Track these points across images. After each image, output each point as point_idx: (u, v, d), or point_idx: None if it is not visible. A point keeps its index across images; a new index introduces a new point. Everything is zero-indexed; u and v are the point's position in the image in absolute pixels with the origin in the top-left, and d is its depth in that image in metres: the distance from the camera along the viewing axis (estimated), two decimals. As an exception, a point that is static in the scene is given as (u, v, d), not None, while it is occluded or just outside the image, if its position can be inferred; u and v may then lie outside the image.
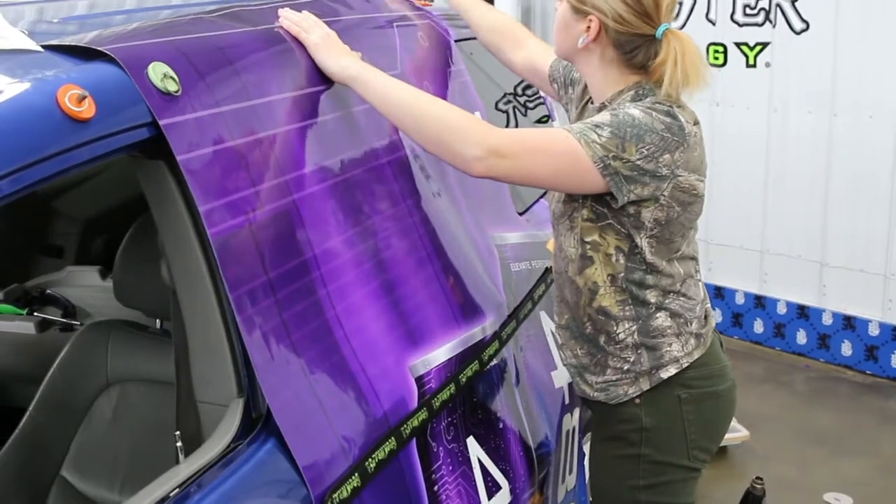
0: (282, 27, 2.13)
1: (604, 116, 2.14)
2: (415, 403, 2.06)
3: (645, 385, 2.30)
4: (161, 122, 1.67)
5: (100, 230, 3.61)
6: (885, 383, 5.45)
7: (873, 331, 5.48)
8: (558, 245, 2.38)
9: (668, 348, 2.29)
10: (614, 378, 2.33)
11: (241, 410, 1.76)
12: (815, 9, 5.41)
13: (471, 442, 2.26)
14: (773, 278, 5.90)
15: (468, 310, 2.37)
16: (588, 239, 2.25)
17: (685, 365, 2.30)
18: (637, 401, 2.32)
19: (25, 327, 3.12)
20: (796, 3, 5.46)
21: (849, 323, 5.56)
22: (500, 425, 2.43)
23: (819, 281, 5.66)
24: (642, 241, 2.20)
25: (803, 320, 5.75)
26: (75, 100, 1.54)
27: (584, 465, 3.13)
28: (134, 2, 2.84)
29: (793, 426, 5.00)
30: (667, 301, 2.28)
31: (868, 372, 5.54)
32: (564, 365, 2.50)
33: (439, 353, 2.19)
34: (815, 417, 5.11)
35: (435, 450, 2.12)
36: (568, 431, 2.91)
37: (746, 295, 6.01)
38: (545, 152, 2.13)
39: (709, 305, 2.45)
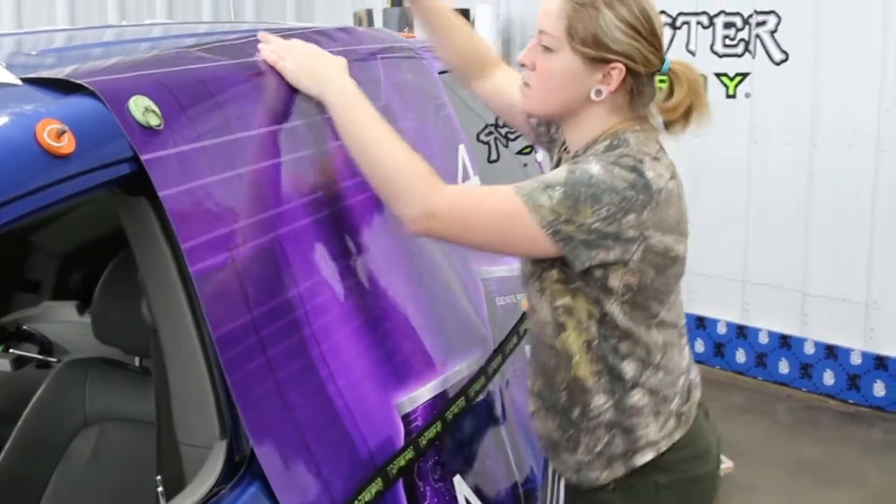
0: (264, 59, 2.09)
1: (559, 174, 1.97)
2: (401, 442, 2.02)
3: (620, 471, 2.13)
4: (143, 158, 1.63)
5: (77, 265, 3.56)
6: (867, 412, 5.44)
7: (855, 360, 5.47)
8: (531, 306, 2.20)
9: (645, 430, 2.11)
10: (586, 459, 2.15)
11: (224, 453, 1.71)
12: (794, 39, 5.43)
13: (458, 480, 2.23)
14: (755, 308, 5.89)
15: (454, 345, 2.34)
16: (559, 303, 2.08)
17: (664, 449, 2.13)
18: (611, 486, 2.15)
19: (1, 364, 3.06)
20: (775, 34, 5.48)
21: (831, 352, 5.55)
22: (487, 462, 2.39)
23: (801, 310, 5.65)
24: (613, 307, 2.03)
25: (785, 350, 5.74)
26: (54, 135, 1.50)
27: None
28: (112, 34, 2.81)
29: (777, 456, 4.98)
30: (644, 376, 2.09)
31: (850, 401, 5.53)
32: (537, 436, 2.31)
33: (425, 391, 2.15)
34: (799, 447, 5.09)
35: (422, 489, 2.08)
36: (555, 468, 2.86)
37: (728, 325, 6.00)
38: (486, 216, 1.97)
39: (694, 376, 2.25)
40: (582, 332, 2.07)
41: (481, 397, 2.41)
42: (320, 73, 2.07)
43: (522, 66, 2.13)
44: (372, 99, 2.07)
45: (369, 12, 7.07)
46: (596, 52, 2.00)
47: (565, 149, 2.22)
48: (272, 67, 2.07)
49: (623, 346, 2.07)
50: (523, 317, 2.90)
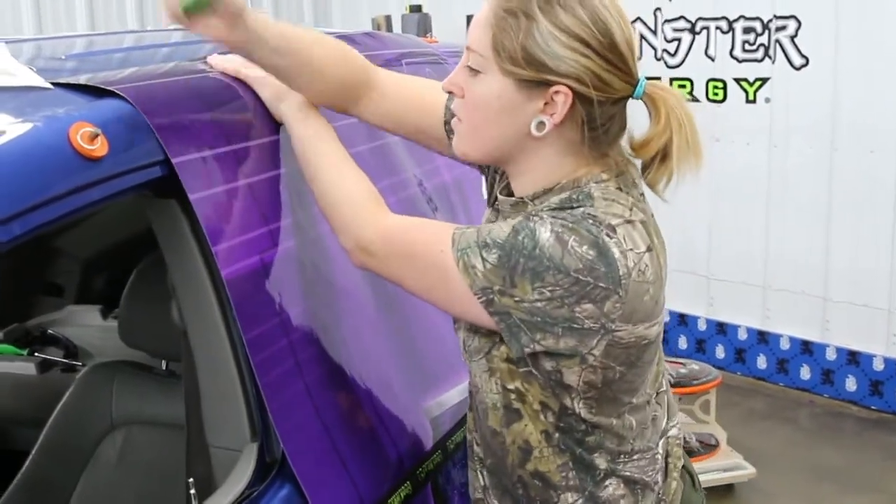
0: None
1: (500, 232, 1.56)
2: (430, 446, 2.02)
3: None
4: (173, 161, 1.64)
5: (101, 269, 3.57)
6: (890, 418, 5.40)
7: (878, 366, 5.44)
8: (473, 383, 1.78)
9: None
10: None
11: (255, 455, 1.71)
12: (814, 44, 5.41)
13: (485, 485, 2.22)
14: (776, 314, 5.86)
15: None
16: (510, 386, 1.67)
17: None
18: None
19: (26, 368, 3.08)
20: (795, 39, 5.46)
21: (853, 358, 5.52)
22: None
23: (822, 316, 5.62)
24: (574, 404, 1.63)
25: (807, 356, 5.72)
26: (87, 138, 1.51)
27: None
28: (132, 39, 2.82)
29: (799, 463, 4.95)
30: (618, 464, 1.70)
31: (873, 407, 5.50)
32: None
33: (453, 394, 2.15)
34: (821, 454, 5.06)
35: (450, 493, 2.08)
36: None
37: (749, 330, 5.97)
38: (419, 263, 1.65)
39: (674, 433, 1.86)
40: (538, 422, 1.68)
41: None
42: (280, 85, 1.85)
43: (449, 94, 1.76)
44: None
45: (388, 18, 7.08)
46: (529, 73, 1.56)
47: (506, 189, 1.78)
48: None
49: (590, 438, 1.68)
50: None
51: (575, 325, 1.52)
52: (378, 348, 1.98)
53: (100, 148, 1.52)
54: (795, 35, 5.48)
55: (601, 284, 1.50)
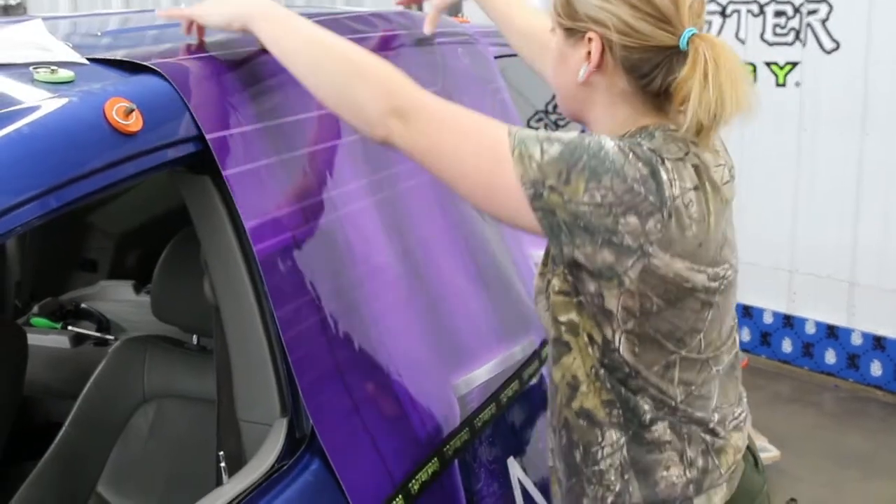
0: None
1: (568, 133, 1.59)
2: (457, 423, 2.04)
3: None
4: (207, 137, 1.66)
5: (133, 245, 3.61)
6: (915, 404, 5.40)
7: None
8: (546, 329, 1.81)
9: (666, 473, 1.71)
10: None
11: (285, 430, 1.74)
12: (845, 28, 5.38)
13: (511, 462, 2.24)
14: (802, 297, 5.85)
15: (508, 328, 2.35)
16: (563, 318, 1.70)
17: None
18: None
19: (60, 341, 3.12)
20: (826, 23, 5.43)
21: (878, 343, 5.51)
22: (539, 445, 2.40)
23: (848, 300, 5.61)
24: (616, 338, 1.64)
25: (832, 340, 5.70)
26: (123, 113, 1.53)
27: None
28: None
29: (824, 447, 4.95)
30: (664, 412, 1.70)
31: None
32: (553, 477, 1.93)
33: (481, 373, 2.17)
34: (845, 438, 5.06)
35: (476, 470, 2.09)
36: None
37: (775, 314, 5.96)
38: (460, 135, 1.60)
39: (741, 414, 1.83)
40: (587, 356, 1.70)
41: (534, 381, 2.42)
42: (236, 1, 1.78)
43: None
44: (429, 83, 2.08)
45: (419, -2, 7.08)
46: (567, 21, 1.66)
47: None
48: None
49: (632, 382, 1.68)
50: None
51: (614, 240, 1.52)
52: (407, 326, 1.99)
53: (135, 123, 1.54)
54: (827, 19, 5.44)
55: (650, 199, 1.52)
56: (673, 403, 1.69)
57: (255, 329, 1.78)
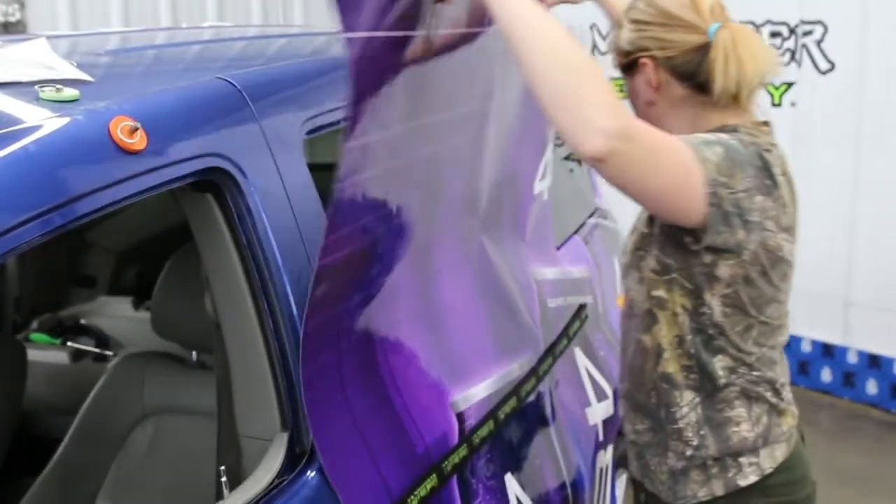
0: None
1: (704, 135, 1.87)
2: (456, 440, 2.05)
3: (719, 490, 2.02)
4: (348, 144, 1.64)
5: (133, 261, 3.62)
6: (910, 423, 5.41)
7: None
8: (628, 301, 2.14)
9: (737, 428, 2.00)
10: (679, 466, 2.05)
11: (285, 445, 1.74)
12: (840, 49, 5.41)
13: (508, 479, 2.25)
14: (798, 317, 5.81)
15: (507, 345, 2.36)
16: (654, 293, 2.00)
17: (767, 470, 2.00)
18: None
19: (59, 357, 3.13)
20: (821, 44, 5.46)
21: (874, 361, 5.52)
22: (537, 462, 2.42)
23: (844, 319, 5.63)
24: (712, 300, 1.93)
25: (828, 358, 5.72)
26: (127, 131, 1.54)
27: (616, 503, 3.13)
28: (164, 37, 2.86)
29: (819, 465, 4.89)
30: (737, 374, 1.99)
31: (893, 410, 5.49)
32: (629, 441, 2.23)
33: (479, 389, 2.18)
34: (841, 457, 5.06)
35: (474, 487, 2.10)
36: (602, 468, 2.89)
37: (770, 333, 5.97)
38: (670, 155, 1.77)
39: (789, 395, 2.09)
40: (674, 326, 2.00)
41: (532, 398, 2.43)
42: None
43: None
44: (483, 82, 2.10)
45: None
46: (624, 59, 2.04)
47: None
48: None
49: (715, 342, 1.97)
50: (573, 319, 2.93)
51: (749, 218, 1.84)
52: (409, 342, 2.00)
53: (139, 142, 1.55)
54: (822, 40, 5.47)
55: (766, 182, 1.86)
56: (748, 360, 1.98)
57: (255, 344, 1.79)
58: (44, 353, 3.15)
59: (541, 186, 2.76)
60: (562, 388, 2.70)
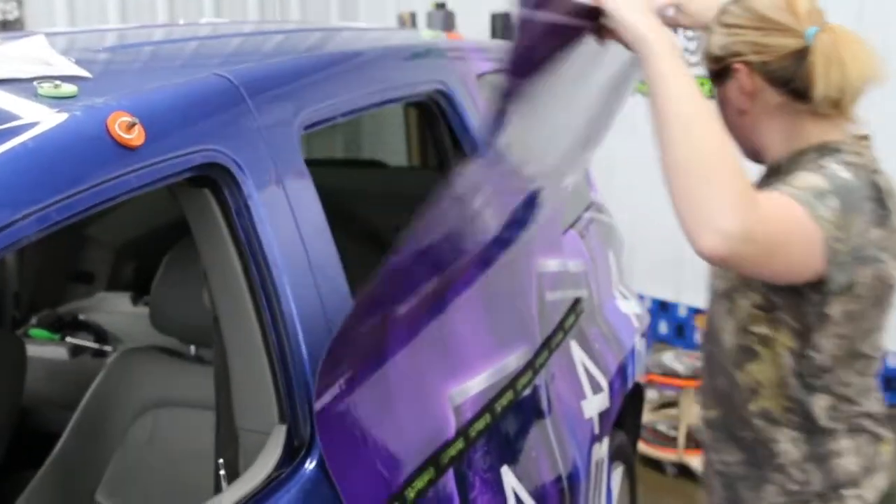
0: None
1: (813, 179, 1.74)
2: (453, 433, 2.06)
3: None
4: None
5: (130, 257, 3.63)
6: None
7: (892, 362, 5.45)
8: (714, 327, 2.04)
9: (841, 461, 1.92)
10: (780, 501, 1.97)
11: (283, 438, 1.76)
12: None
13: (505, 471, 2.26)
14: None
15: (505, 338, 2.37)
16: (756, 330, 1.91)
17: (871, 500, 1.92)
18: None
19: (58, 353, 3.14)
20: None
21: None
22: (533, 454, 2.43)
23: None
24: (822, 341, 1.83)
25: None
26: (125, 127, 1.55)
27: (612, 496, 3.14)
28: (162, 33, 2.87)
29: None
30: (838, 412, 1.90)
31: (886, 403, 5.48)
32: (712, 470, 2.13)
33: (476, 382, 2.19)
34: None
35: (471, 479, 2.11)
36: (597, 462, 2.90)
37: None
38: (791, 239, 1.68)
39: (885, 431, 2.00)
40: (775, 366, 1.91)
41: (528, 391, 2.45)
42: (647, 11, 1.79)
43: None
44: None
45: (413, 14, 7.10)
46: (715, 65, 1.93)
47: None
48: None
49: (818, 382, 1.89)
50: (569, 312, 2.93)
51: (865, 254, 1.74)
52: (408, 335, 2.00)
53: (137, 137, 1.55)
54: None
55: (880, 211, 1.76)
56: (849, 394, 1.89)
57: (253, 338, 1.80)
58: (43, 349, 3.16)
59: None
60: (558, 381, 2.71)
